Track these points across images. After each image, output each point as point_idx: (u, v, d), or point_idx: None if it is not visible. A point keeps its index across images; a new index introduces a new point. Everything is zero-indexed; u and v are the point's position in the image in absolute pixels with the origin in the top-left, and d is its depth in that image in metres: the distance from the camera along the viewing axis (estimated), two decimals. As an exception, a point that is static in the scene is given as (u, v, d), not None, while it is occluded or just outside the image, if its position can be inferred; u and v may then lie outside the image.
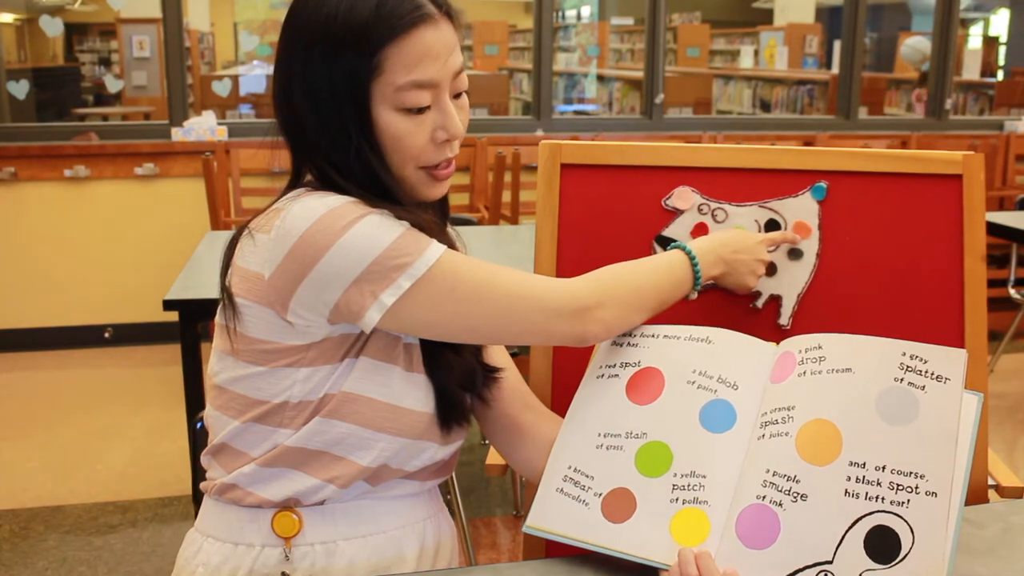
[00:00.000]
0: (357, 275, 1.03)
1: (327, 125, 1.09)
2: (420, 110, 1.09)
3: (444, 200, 1.22)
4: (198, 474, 1.27)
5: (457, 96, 1.14)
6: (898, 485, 0.99)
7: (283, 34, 1.12)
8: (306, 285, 1.04)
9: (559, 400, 1.36)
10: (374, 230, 1.04)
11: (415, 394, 1.13)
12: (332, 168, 1.10)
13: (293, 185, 1.16)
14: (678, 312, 1.25)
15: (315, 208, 1.05)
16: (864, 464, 1.01)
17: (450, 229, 1.24)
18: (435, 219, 1.16)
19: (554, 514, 1.12)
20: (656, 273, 1.19)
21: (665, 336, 1.20)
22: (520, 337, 1.13)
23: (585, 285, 1.13)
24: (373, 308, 1.04)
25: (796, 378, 1.11)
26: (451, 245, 1.13)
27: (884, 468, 1.00)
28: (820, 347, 1.12)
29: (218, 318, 1.14)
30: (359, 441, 1.11)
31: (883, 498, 0.99)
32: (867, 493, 1.00)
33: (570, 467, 1.14)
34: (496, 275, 1.09)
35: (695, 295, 1.24)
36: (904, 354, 1.06)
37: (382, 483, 1.16)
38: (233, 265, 1.12)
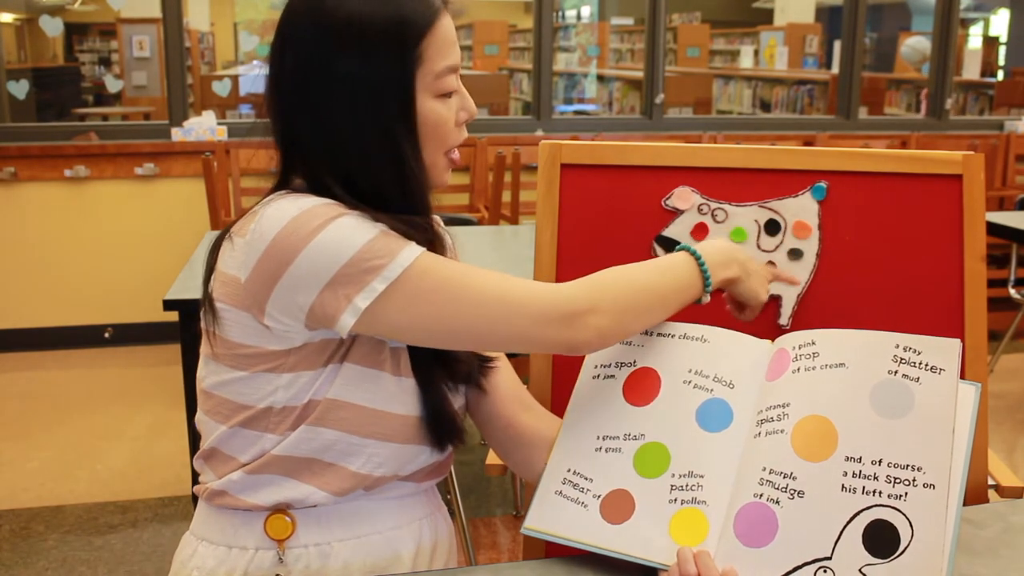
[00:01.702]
0: (330, 278, 1.01)
1: (363, 128, 1.07)
2: (449, 94, 1.12)
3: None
4: (198, 474, 1.27)
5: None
6: (895, 478, 0.99)
7: (291, 35, 1.08)
8: (280, 288, 1.03)
9: (559, 400, 1.36)
10: (347, 232, 1.02)
11: (403, 399, 1.12)
12: (333, 176, 1.07)
13: (277, 189, 1.13)
14: (680, 312, 1.24)
15: (288, 210, 1.03)
16: (860, 459, 1.01)
17: (441, 228, 1.22)
18: (429, 222, 1.15)
19: (553, 516, 1.12)
20: (658, 275, 1.13)
21: (659, 335, 1.19)
22: (505, 344, 1.10)
23: (576, 289, 1.08)
24: (347, 312, 1.02)
25: (791, 375, 1.10)
26: (442, 248, 1.12)
27: (880, 462, 1.00)
28: (814, 343, 1.11)
29: (202, 322, 1.13)
30: (348, 447, 1.10)
31: (880, 492, 0.99)
32: (864, 487, 1.00)
33: (568, 470, 1.14)
34: (477, 279, 1.05)
35: (707, 298, 1.17)
36: (897, 346, 1.06)
37: (378, 486, 1.15)
38: (216, 269, 1.11)
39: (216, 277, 1.10)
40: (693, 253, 1.16)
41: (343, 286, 1.02)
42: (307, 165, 1.11)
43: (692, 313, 1.21)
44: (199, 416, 1.17)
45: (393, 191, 1.09)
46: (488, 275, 1.07)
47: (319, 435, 1.09)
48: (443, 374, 1.16)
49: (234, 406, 1.11)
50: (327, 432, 1.09)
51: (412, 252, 1.04)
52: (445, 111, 1.12)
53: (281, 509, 1.13)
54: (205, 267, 1.13)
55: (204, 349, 1.14)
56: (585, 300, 1.06)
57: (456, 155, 1.17)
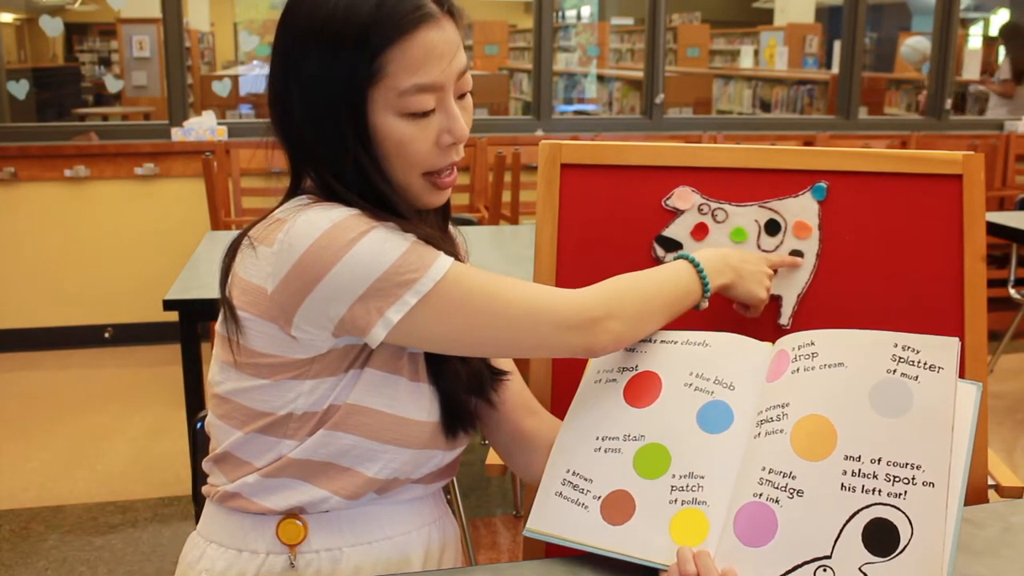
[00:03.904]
0: (363, 292, 1.01)
1: (323, 132, 1.06)
2: (424, 114, 1.06)
3: (445, 204, 1.20)
4: (198, 475, 1.27)
5: (461, 97, 1.11)
6: (895, 477, 0.99)
7: (277, 36, 1.09)
8: (310, 301, 1.02)
9: (559, 402, 1.36)
10: (380, 245, 1.02)
11: (420, 404, 1.12)
12: (331, 176, 1.07)
13: (293, 190, 1.13)
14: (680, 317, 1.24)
15: (319, 222, 1.02)
16: (859, 457, 1.01)
17: (452, 228, 1.23)
18: (438, 229, 1.15)
19: (554, 517, 1.12)
20: (663, 283, 1.17)
21: (662, 341, 1.20)
22: (529, 350, 1.12)
23: (593, 296, 1.11)
24: (379, 325, 1.02)
25: (790, 375, 1.11)
26: (455, 252, 1.11)
27: (880, 460, 1.00)
28: (813, 343, 1.12)
29: (219, 328, 1.12)
30: (365, 452, 1.10)
31: (880, 490, 0.99)
32: (864, 486, 1.00)
33: (568, 470, 1.14)
34: (504, 288, 1.07)
35: (706, 303, 1.21)
36: (896, 345, 1.06)
37: (389, 491, 1.15)
38: (233, 275, 1.09)
39: (235, 283, 1.09)
40: (692, 261, 1.20)
41: (375, 300, 1.02)
42: (306, 163, 1.12)
43: (695, 317, 1.21)
44: (210, 419, 1.17)
45: (374, 201, 1.08)
46: (512, 284, 1.08)
47: (337, 439, 1.09)
48: (458, 382, 1.16)
49: (252, 413, 1.11)
50: (346, 437, 1.09)
51: (443, 264, 1.04)
52: (413, 132, 1.06)
53: (293, 514, 1.13)
54: (221, 270, 1.11)
55: (222, 355, 1.13)
56: (602, 307, 1.10)
57: (447, 179, 1.12)
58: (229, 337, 1.10)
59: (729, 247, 1.38)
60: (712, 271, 1.20)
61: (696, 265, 1.20)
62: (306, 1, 1.06)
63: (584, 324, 1.08)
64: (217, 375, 1.14)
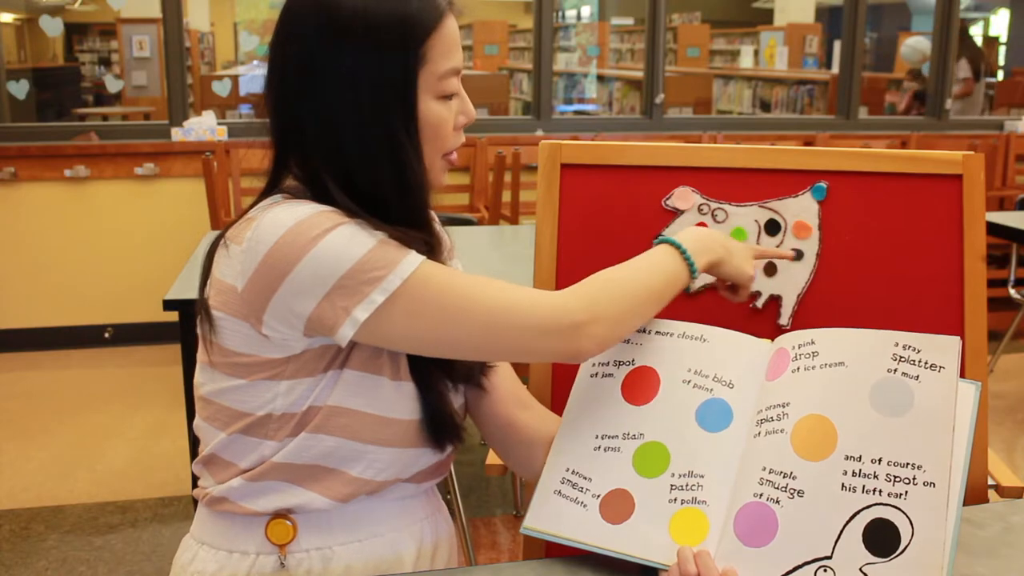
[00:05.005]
0: (328, 289, 1.00)
1: (363, 122, 1.05)
2: (450, 96, 1.11)
3: None
4: (197, 478, 1.27)
5: None
6: (895, 477, 0.99)
7: (294, 29, 1.07)
8: (277, 299, 1.02)
9: (559, 400, 1.36)
10: (345, 241, 1.01)
11: (403, 403, 1.11)
12: (329, 175, 1.07)
13: (269, 190, 1.12)
14: (678, 315, 1.24)
15: (284, 219, 1.01)
16: (860, 457, 1.01)
17: (439, 227, 1.22)
18: (429, 233, 1.13)
19: (552, 516, 1.12)
20: (647, 273, 1.13)
21: (658, 332, 1.19)
22: (507, 354, 1.08)
23: (575, 299, 1.06)
24: (347, 324, 1.01)
25: (790, 374, 1.10)
26: (439, 249, 1.11)
27: (880, 460, 1.00)
28: (813, 342, 1.11)
29: (198, 329, 1.13)
30: (349, 453, 1.10)
31: (880, 491, 0.99)
32: (864, 486, 1.00)
33: (567, 469, 1.14)
34: (478, 289, 1.04)
35: (695, 285, 1.17)
36: (897, 344, 1.06)
37: (380, 490, 1.15)
38: (211, 276, 1.10)
39: (212, 284, 1.09)
40: (674, 243, 1.16)
41: (341, 298, 1.00)
42: (306, 163, 1.10)
43: (694, 314, 1.21)
44: (197, 422, 1.17)
45: (392, 191, 1.08)
46: (487, 285, 1.05)
47: (320, 442, 1.09)
48: (442, 375, 1.15)
49: (233, 413, 1.11)
50: (327, 439, 1.09)
51: (412, 262, 1.02)
52: (446, 113, 1.11)
53: (282, 514, 1.13)
54: (201, 272, 1.12)
55: (201, 356, 1.13)
56: (585, 311, 1.05)
57: (454, 156, 1.16)
58: (205, 337, 1.11)
59: None
60: (697, 251, 1.16)
61: (678, 247, 1.15)
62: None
63: (566, 329, 1.04)
64: (199, 376, 1.14)
